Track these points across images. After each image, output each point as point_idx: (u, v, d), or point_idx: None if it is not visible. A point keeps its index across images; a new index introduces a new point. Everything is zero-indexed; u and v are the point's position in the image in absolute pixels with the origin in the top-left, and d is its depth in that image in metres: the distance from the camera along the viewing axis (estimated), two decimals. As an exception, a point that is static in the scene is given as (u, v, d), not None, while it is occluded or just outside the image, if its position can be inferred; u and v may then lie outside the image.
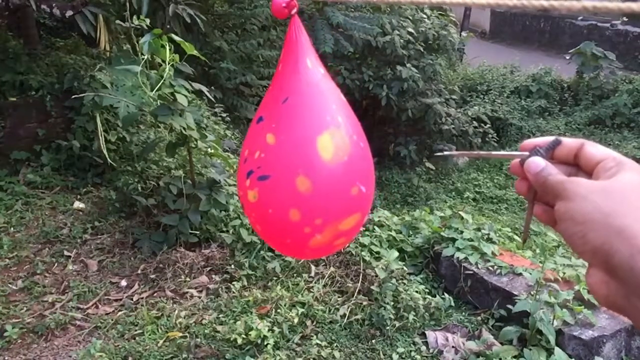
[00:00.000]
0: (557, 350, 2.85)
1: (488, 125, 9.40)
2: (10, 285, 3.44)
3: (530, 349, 2.90)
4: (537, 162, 0.61)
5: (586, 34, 15.71)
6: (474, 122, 9.30)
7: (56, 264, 3.69)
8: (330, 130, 0.84)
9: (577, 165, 0.61)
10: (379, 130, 8.57)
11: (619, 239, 0.49)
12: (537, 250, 4.10)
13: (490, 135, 9.32)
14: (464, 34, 12.99)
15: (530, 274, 3.30)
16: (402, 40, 7.80)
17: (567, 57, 11.19)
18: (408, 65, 7.86)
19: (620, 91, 10.10)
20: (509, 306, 3.19)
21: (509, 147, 9.52)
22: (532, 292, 3.19)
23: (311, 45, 0.93)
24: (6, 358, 2.88)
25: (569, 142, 0.62)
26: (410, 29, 7.98)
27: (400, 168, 8.46)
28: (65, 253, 3.79)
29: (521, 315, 3.08)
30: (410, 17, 8.35)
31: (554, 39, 17.90)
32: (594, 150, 0.60)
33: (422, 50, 8.15)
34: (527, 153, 0.63)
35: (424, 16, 8.57)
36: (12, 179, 4.49)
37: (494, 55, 13.50)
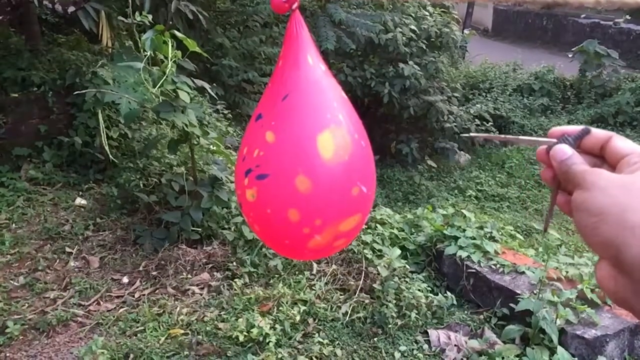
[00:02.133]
0: (559, 349, 2.85)
1: (490, 123, 9.38)
2: (11, 282, 3.43)
3: (532, 348, 2.89)
4: (564, 150, 0.60)
5: (589, 32, 15.68)
6: (476, 120, 9.28)
7: (58, 261, 3.69)
8: (331, 129, 0.82)
9: (603, 158, 0.60)
10: (380, 128, 8.56)
11: (631, 235, 0.48)
12: (540, 249, 4.09)
13: (492, 133, 9.30)
14: (466, 31, 12.95)
15: (533, 272, 3.29)
16: (404, 38, 7.78)
17: (570, 55, 11.16)
18: (410, 62, 7.83)
19: (623, 89, 10.08)
20: (512, 305, 3.18)
21: (511, 145, 9.51)
22: (534, 291, 3.18)
23: (312, 42, 0.92)
24: (7, 354, 2.88)
25: (598, 133, 0.61)
26: (412, 27, 7.96)
27: (401, 166, 8.44)
28: (67, 249, 3.78)
29: (524, 314, 3.07)
30: (413, 15, 8.32)
31: (556, 37, 17.87)
32: (622, 143, 0.59)
33: (425, 47, 8.12)
34: (554, 140, 0.62)
35: (427, 14, 8.54)
36: (13, 175, 4.48)
37: (496, 53, 13.47)
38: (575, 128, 0.62)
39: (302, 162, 0.79)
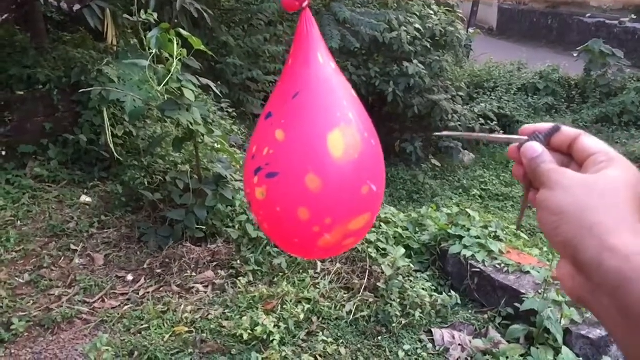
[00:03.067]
0: (564, 349, 2.84)
1: (495, 123, 9.36)
2: (17, 279, 3.45)
3: (537, 348, 2.88)
4: (534, 148, 0.60)
5: (594, 31, 15.61)
6: (481, 119, 9.27)
7: (63, 258, 3.70)
8: (341, 127, 0.82)
9: (571, 155, 0.61)
10: (384, 126, 8.54)
11: (589, 235, 0.49)
12: (545, 249, 4.08)
13: (496, 133, 9.28)
14: (471, 30, 12.93)
15: (538, 272, 3.28)
16: (409, 37, 7.77)
17: (575, 55, 11.13)
18: (415, 61, 7.82)
19: (628, 89, 10.04)
20: (516, 304, 3.18)
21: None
22: (539, 291, 3.17)
23: (322, 40, 0.91)
24: (12, 351, 2.89)
25: (567, 131, 0.61)
26: (417, 25, 7.95)
27: (405, 165, 8.44)
28: (72, 247, 3.79)
29: (528, 314, 3.07)
30: (418, 13, 8.31)
31: (561, 36, 17.81)
32: (589, 142, 0.59)
33: (429, 46, 8.11)
34: (525, 138, 0.62)
35: (431, 12, 8.53)
36: (19, 172, 4.50)
37: (501, 52, 13.44)
38: (547, 125, 0.62)
39: (312, 160, 0.79)
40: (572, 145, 0.60)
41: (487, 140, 0.73)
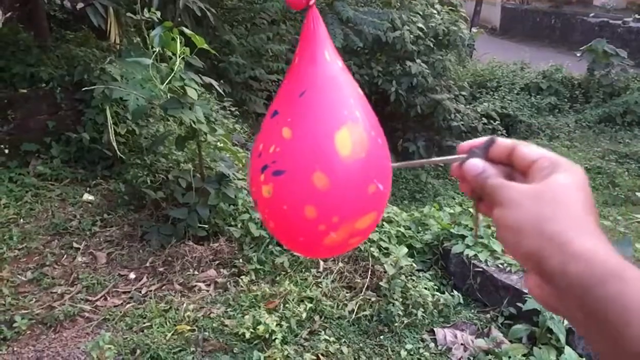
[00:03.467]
0: (567, 349, 2.83)
1: (497, 122, 9.36)
2: (19, 277, 3.45)
3: (540, 348, 2.88)
4: (476, 165, 0.61)
5: (597, 31, 15.58)
6: (483, 118, 9.26)
7: (65, 256, 3.70)
8: (348, 126, 0.81)
9: (512, 166, 0.61)
10: (387, 126, 8.54)
11: (550, 245, 0.50)
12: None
13: (499, 132, 9.27)
14: (474, 30, 12.91)
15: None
16: (412, 36, 7.76)
17: (578, 54, 11.12)
18: (418, 60, 7.82)
19: (632, 89, 10.03)
20: (519, 304, 3.17)
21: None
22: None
23: (329, 38, 0.91)
24: (15, 349, 2.89)
25: (503, 142, 0.62)
26: (420, 25, 7.95)
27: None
28: (75, 245, 3.80)
29: (531, 314, 3.06)
30: (421, 13, 8.31)
31: (564, 35, 17.79)
32: (527, 150, 0.59)
33: (432, 45, 8.11)
34: (464, 156, 0.63)
35: (434, 12, 8.53)
36: (22, 170, 4.50)
37: (503, 52, 13.43)
38: (482, 140, 0.63)
39: (319, 158, 0.78)
40: (511, 156, 0.61)
41: (430, 163, 0.75)
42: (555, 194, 0.53)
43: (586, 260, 0.48)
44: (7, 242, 3.72)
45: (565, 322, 2.97)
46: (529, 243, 0.51)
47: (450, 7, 8.90)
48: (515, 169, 0.61)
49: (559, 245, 0.49)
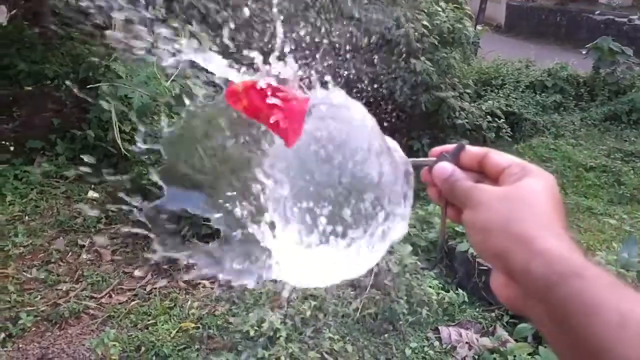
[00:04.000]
0: (572, 348, 2.82)
1: (502, 120, 9.30)
2: (24, 274, 3.46)
3: (545, 347, 2.87)
4: (445, 168, 0.62)
5: (603, 28, 15.51)
6: (488, 116, 9.21)
7: (70, 253, 3.71)
8: None
9: (483, 173, 0.62)
10: (391, 124, 8.53)
11: (517, 244, 0.51)
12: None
13: (504, 130, 9.23)
14: (479, 27, 12.86)
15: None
16: (416, 33, 7.73)
17: (584, 52, 11.06)
18: (422, 58, 7.79)
19: (637, 87, 9.99)
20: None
21: (523, 142, 9.45)
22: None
23: None
24: (20, 345, 2.90)
25: (473, 149, 0.63)
26: (425, 22, 7.91)
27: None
28: (80, 242, 3.81)
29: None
30: (425, 10, 8.27)
31: (570, 33, 17.71)
32: (499, 157, 0.61)
33: (437, 43, 8.07)
34: (434, 159, 0.64)
35: (439, 9, 8.48)
36: (27, 167, 4.51)
37: (509, 50, 13.38)
38: (452, 146, 0.64)
39: None
40: (482, 163, 0.62)
41: None
42: (524, 196, 0.54)
43: (549, 258, 0.49)
44: (13, 239, 3.73)
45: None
46: (496, 242, 0.53)
47: (455, 5, 8.85)
48: (485, 176, 0.62)
49: (524, 243, 0.50)
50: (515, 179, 0.57)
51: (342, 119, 0.73)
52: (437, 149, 0.65)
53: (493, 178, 0.60)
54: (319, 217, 0.67)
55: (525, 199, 0.54)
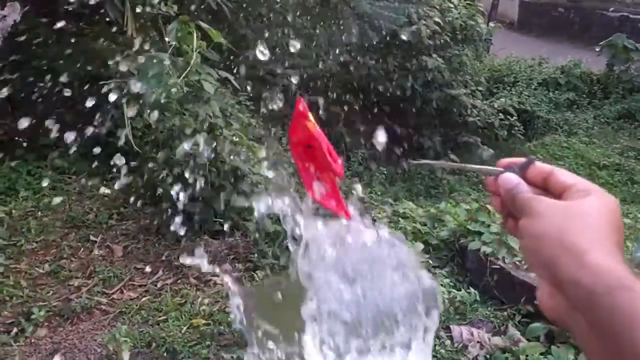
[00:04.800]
0: (586, 348, 2.79)
1: (514, 118, 9.24)
2: (37, 269, 3.48)
3: (558, 347, 2.84)
4: (510, 179, 0.64)
5: (617, 25, 15.32)
6: (500, 114, 9.16)
7: (82, 249, 3.73)
8: None
9: (546, 189, 0.63)
10: (402, 121, 8.49)
11: (567, 254, 0.52)
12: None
13: (516, 128, 9.17)
14: (491, 24, 12.76)
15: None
16: (428, 31, 7.70)
17: (597, 50, 10.95)
18: (434, 55, 7.76)
19: (652, 85, 9.88)
20: (537, 302, 3.13)
21: (535, 140, 9.38)
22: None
23: None
24: (32, 340, 2.92)
25: (541, 166, 0.65)
26: (437, 19, 7.87)
27: (423, 160, 8.37)
28: (91, 238, 3.82)
29: (549, 312, 3.02)
30: (437, 7, 8.23)
31: (583, 30, 17.52)
32: (564, 175, 0.63)
33: (449, 40, 8.03)
34: (501, 169, 0.66)
35: (451, 6, 8.44)
36: (39, 163, 4.54)
37: (521, 47, 13.27)
38: (521, 159, 0.66)
39: None
40: (547, 180, 0.63)
41: (464, 170, 0.78)
42: (583, 211, 0.55)
43: (597, 271, 0.49)
44: (25, 235, 3.76)
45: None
46: (547, 251, 0.54)
47: (467, 2, 8.80)
48: (549, 193, 0.62)
49: (574, 255, 0.51)
50: (578, 197, 0.58)
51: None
52: (506, 161, 0.67)
53: (557, 195, 0.61)
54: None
55: (583, 214, 0.55)
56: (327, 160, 0.79)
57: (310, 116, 0.80)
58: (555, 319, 0.55)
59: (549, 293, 0.55)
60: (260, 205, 0.96)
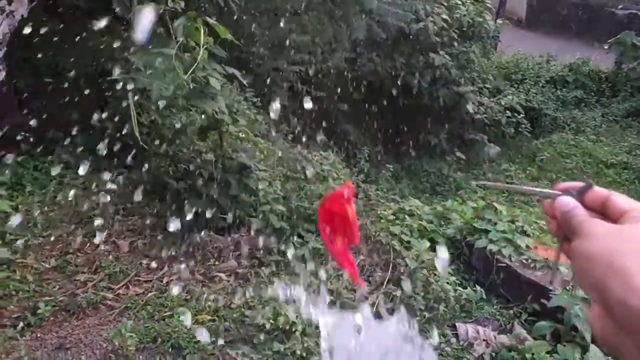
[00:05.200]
0: (592, 347, 2.78)
1: (522, 115, 9.19)
2: (43, 264, 3.49)
3: (564, 345, 2.83)
4: (567, 202, 0.64)
5: (626, 23, 15.20)
6: (507, 111, 9.11)
7: (88, 244, 3.73)
8: None
9: (604, 214, 0.63)
10: (409, 118, 8.46)
11: (616, 276, 0.51)
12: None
13: (523, 125, 9.12)
14: (499, 21, 12.69)
15: (567, 268, 3.21)
16: (436, 27, 7.66)
17: (606, 47, 10.87)
18: (441, 52, 7.72)
19: (661, 83, 9.80)
20: (543, 301, 3.12)
21: (543, 138, 9.33)
22: (567, 287, 3.11)
23: None
24: (38, 335, 2.93)
25: (599, 190, 0.65)
26: (444, 16, 7.83)
27: (430, 157, 8.34)
28: (97, 233, 3.82)
29: (555, 311, 3.01)
30: (445, 3, 8.18)
31: (592, 28, 17.39)
32: (622, 200, 0.62)
33: (456, 37, 7.99)
34: (559, 193, 0.66)
35: (459, 3, 8.39)
36: (46, 158, 4.54)
37: (529, 44, 13.19)
38: (579, 184, 0.66)
39: None
40: (606, 204, 0.63)
41: (522, 192, 0.78)
42: (636, 235, 0.55)
43: None
44: (32, 230, 3.77)
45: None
46: (596, 273, 0.54)
47: (475, -2, 8.75)
48: (607, 218, 0.62)
49: (623, 277, 0.51)
50: (633, 221, 0.58)
51: None
52: (564, 185, 0.67)
53: (614, 220, 0.61)
54: None
55: (635, 238, 0.54)
56: (351, 233, 0.87)
57: (353, 204, 0.86)
58: (604, 342, 0.55)
59: (599, 315, 0.55)
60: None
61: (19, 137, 4.39)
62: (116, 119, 4.74)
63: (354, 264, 0.93)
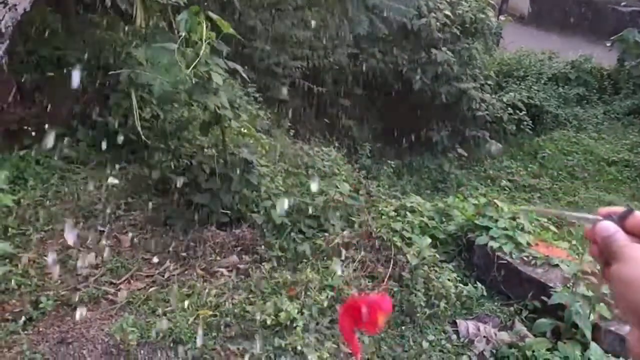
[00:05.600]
0: (592, 344, 2.79)
1: (523, 112, 9.19)
2: (45, 258, 3.49)
3: (564, 343, 2.84)
4: (608, 227, 0.64)
5: (629, 20, 15.16)
6: (509, 108, 9.10)
7: (90, 239, 3.73)
8: None
9: None
10: (411, 114, 8.45)
11: None
12: (574, 242, 4.00)
13: (525, 122, 9.12)
14: (501, 17, 12.66)
15: (568, 265, 3.22)
16: (438, 23, 7.65)
17: (608, 44, 10.84)
18: (443, 49, 7.70)
19: (664, 81, 9.78)
20: (544, 298, 3.12)
21: (544, 135, 9.33)
22: (568, 285, 3.11)
23: None
24: (40, 329, 2.93)
25: (639, 215, 0.65)
26: (447, 12, 7.82)
27: (431, 154, 8.35)
28: (99, 228, 3.83)
29: (556, 308, 3.01)
30: (448, 0, 8.17)
31: (595, 25, 17.34)
32: None
33: (459, 33, 7.98)
34: (600, 217, 0.66)
35: (462, -1, 8.37)
36: (48, 153, 4.54)
37: (531, 41, 13.15)
38: (620, 209, 0.67)
39: None
40: None
41: (563, 216, 0.81)
42: None
43: None
44: (34, 224, 3.77)
45: (592, 317, 2.92)
46: (634, 297, 0.55)
47: (478, -6, 8.73)
48: None
49: None
50: None
51: None
52: (605, 210, 0.67)
53: None
54: None
55: None
56: (368, 326, 0.91)
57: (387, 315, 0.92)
58: None
59: (638, 338, 0.55)
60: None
61: (21, 131, 4.40)
62: (118, 113, 4.74)
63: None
